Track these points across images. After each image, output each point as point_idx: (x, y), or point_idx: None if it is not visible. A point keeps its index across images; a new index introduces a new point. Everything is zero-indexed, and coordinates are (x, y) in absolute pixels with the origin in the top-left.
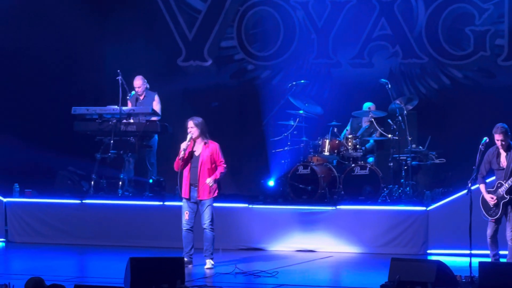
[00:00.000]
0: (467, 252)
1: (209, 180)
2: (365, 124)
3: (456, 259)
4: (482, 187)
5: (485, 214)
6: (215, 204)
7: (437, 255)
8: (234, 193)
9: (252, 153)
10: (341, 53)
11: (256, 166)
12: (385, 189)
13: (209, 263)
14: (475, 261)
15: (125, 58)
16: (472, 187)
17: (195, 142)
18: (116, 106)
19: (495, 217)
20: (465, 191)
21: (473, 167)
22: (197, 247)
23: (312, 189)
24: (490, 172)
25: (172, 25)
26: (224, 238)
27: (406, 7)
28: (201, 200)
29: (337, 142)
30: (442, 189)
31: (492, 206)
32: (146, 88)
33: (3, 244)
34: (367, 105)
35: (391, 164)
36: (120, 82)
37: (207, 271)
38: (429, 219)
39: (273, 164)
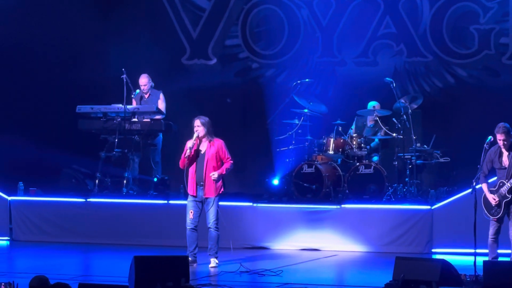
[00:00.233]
0: (472, 251)
1: (214, 174)
2: (369, 123)
3: (460, 258)
4: (484, 186)
5: (487, 214)
6: (220, 203)
7: (441, 254)
8: (239, 191)
9: (256, 151)
10: (346, 51)
11: (261, 164)
12: (389, 188)
13: (213, 261)
14: (480, 260)
15: (129, 57)
16: (477, 186)
17: (201, 141)
18: (120, 105)
19: (497, 217)
20: (469, 190)
21: (478, 166)
22: (202, 246)
23: (316, 188)
24: (492, 172)
25: (176, 24)
26: (228, 237)
27: (411, 5)
28: (207, 198)
29: (341, 141)
30: (446, 188)
31: (494, 205)
32: (151, 86)
33: (8, 242)
34: (372, 104)
35: (396, 163)
36: (124, 80)
37: (212, 269)
38: (433, 218)
39: (278, 163)
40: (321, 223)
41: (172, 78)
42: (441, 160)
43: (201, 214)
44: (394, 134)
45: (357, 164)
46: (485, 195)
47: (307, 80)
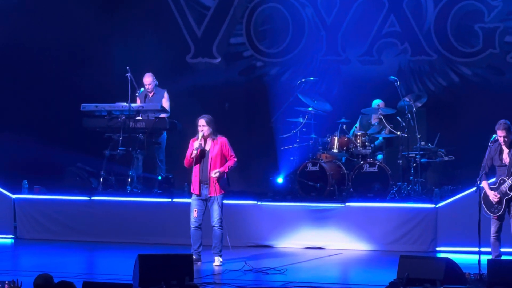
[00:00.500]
0: (476, 249)
1: (216, 172)
2: (374, 121)
3: (465, 257)
4: (484, 184)
5: (487, 211)
6: (224, 201)
7: (446, 252)
8: (243, 190)
9: (261, 150)
10: (350, 50)
11: (265, 163)
12: (394, 186)
13: (217, 260)
14: (484, 258)
15: (134, 55)
16: (481, 184)
17: (206, 140)
18: (125, 103)
19: (497, 214)
20: (474, 189)
21: (483, 164)
22: (206, 244)
23: (321, 186)
24: (493, 169)
25: (181, 22)
26: (233, 235)
27: (415, 4)
28: (211, 197)
29: (346, 139)
30: (451, 186)
31: (494, 203)
32: (156, 85)
33: (12, 240)
34: (376, 102)
35: (400, 161)
36: (129, 79)
37: (216, 268)
38: (438, 217)
39: (282, 161)
40: (326, 222)
41: (177, 77)
42: (446, 158)
43: (205, 212)
44: (399, 133)
45: (362, 162)
46: (485, 192)
47: (311, 78)
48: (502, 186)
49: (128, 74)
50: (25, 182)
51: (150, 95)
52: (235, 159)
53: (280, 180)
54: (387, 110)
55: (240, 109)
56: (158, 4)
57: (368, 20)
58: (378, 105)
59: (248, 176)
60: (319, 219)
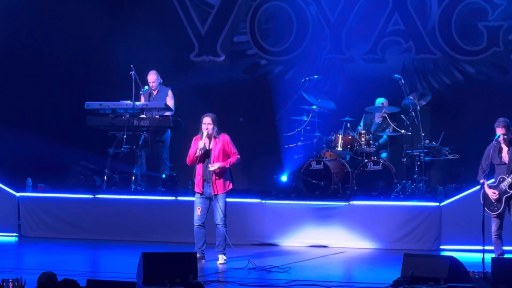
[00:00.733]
0: (480, 248)
1: (214, 165)
2: (378, 119)
3: (469, 255)
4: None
5: (487, 210)
6: (228, 199)
7: (450, 251)
8: (247, 188)
9: (265, 148)
10: (354, 48)
11: (269, 161)
12: (398, 184)
13: (221, 258)
14: (488, 257)
15: (138, 53)
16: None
17: (210, 138)
18: (129, 101)
19: (497, 212)
20: (478, 187)
21: (486, 162)
22: (210, 243)
23: (325, 184)
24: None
25: (185, 20)
26: (236, 234)
27: (419, 2)
28: (215, 195)
29: (350, 137)
30: (455, 184)
31: (494, 201)
32: (160, 83)
33: (16, 238)
34: (380, 101)
35: (404, 159)
36: (133, 77)
37: (220, 266)
38: (442, 215)
39: (286, 159)
40: (329, 220)
41: (181, 75)
42: (450, 157)
43: (208, 210)
44: (403, 131)
45: (366, 160)
46: (484, 190)
47: (315, 76)
48: (502, 184)
49: (132, 72)
50: (29, 180)
51: (154, 93)
52: (238, 156)
53: (284, 178)
54: (391, 108)
55: (244, 107)
56: (162, 2)
57: (372, 18)
58: (382, 103)
59: (252, 174)
60: (323, 217)
